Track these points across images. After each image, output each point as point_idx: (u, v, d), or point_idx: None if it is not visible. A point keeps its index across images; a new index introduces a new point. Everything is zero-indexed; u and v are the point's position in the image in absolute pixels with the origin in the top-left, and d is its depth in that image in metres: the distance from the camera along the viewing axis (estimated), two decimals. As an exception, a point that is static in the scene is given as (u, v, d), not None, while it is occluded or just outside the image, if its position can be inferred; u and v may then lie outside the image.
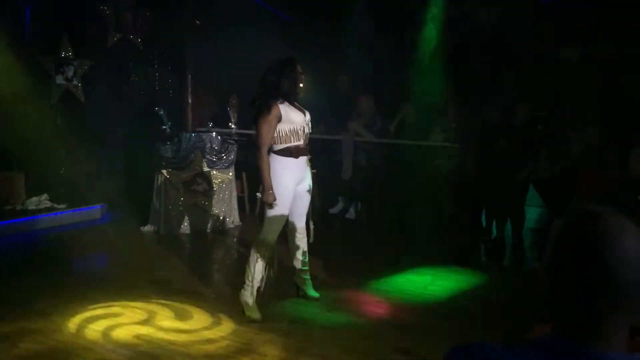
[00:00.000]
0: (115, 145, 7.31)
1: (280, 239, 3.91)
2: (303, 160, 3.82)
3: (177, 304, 4.02)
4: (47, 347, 3.30)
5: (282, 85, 3.66)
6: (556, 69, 6.65)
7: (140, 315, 3.81)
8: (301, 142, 3.77)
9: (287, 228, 3.96)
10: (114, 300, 4.02)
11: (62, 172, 6.82)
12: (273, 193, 3.65)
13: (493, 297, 4.41)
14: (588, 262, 0.96)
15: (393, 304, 4.14)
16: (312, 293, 4.14)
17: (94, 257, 5.34)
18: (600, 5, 6.06)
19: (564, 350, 0.97)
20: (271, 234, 3.75)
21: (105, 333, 3.50)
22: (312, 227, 4.13)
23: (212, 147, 6.27)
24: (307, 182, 3.92)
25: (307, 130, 3.83)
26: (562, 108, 6.13)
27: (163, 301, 4.07)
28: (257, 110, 3.68)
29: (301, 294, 4.16)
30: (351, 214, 7.07)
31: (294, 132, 3.72)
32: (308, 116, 3.85)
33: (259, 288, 3.81)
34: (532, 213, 6.62)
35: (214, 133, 6.46)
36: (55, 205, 6.37)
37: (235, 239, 6.16)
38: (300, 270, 4.11)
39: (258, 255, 3.74)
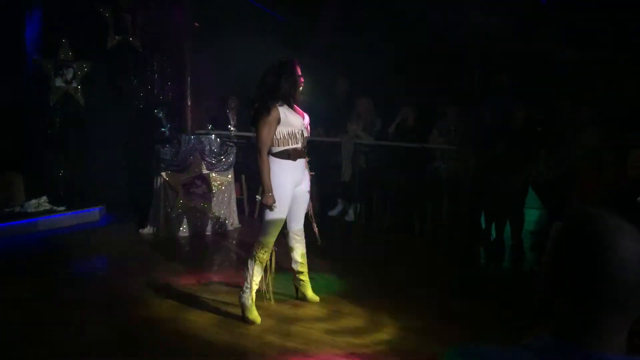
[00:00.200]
0: (115, 147, 7.30)
1: (280, 240, 3.92)
2: (301, 162, 3.81)
3: (176, 306, 4.02)
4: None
5: (282, 87, 3.66)
6: (555, 70, 6.65)
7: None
8: (299, 145, 3.77)
9: (285, 230, 3.96)
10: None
11: (61, 174, 6.81)
12: (272, 195, 3.65)
13: (492, 299, 4.40)
14: (587, 263, 0.96)
15: (392, 305, 4.14)
16: (312, 295, 4.13)
17: (93, 260, 5.33)
18: (598, 7, 6.07)
19: (563, 351, 0.97)
20: (269, 236, 3.75)
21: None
22: (316, 229, 4.12)
23: (211, 150, 6.27)
24: (306, 184, 3.92)
25: (305, 134, 3.82)
26: (560, 110, 6.13)
27: (161, 303, 4.07)
28: (257, 112, 3.68)
29: (300, 296, 4.16)
30: (350, 216, 7.07)
31: (292, 135, 3.71)
32: (307, 120, 3.85)
33: (257, 290, 3.81)
34: (531, 215, 6.62)
35: (213, 135, 6.46)
36: (55, 208, 6.37)
37: (234, 242, 6.16)
38: (299, 272, 4.11)
39: (256, 257, 3.74)
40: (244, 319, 3.73)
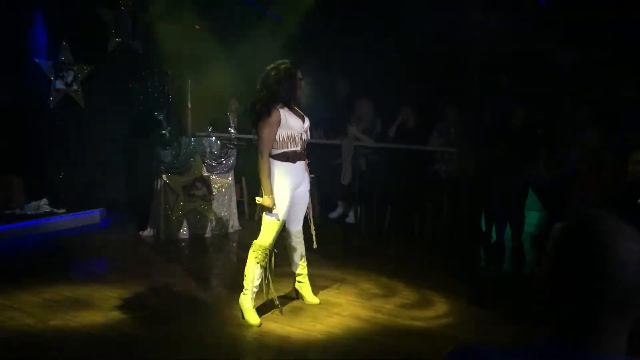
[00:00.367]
0: (115, 149, 7.31)
1: (280, 242, 3.92)
2: (301, 164, 3.81)
3: (175, 308, 4.02)
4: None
5: (282, 89, 3.66)
6: (555, 71, 6.65)
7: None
8: (298, 148, 3.76)
9: (284, 232, 3.95)
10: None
11: (61, 176, 6.81)
12: (272, 197, 3.65)
13: (492, 301, 4.40)
14: (588, 265, 0.96)
15: (392, 307, 4.13)
16: (311, 297, 4.13)
17: (92, 262, 5.33)
18: (598, 7, 6.06)
19: (564, 353, 0.96)
20: (269, 238, 3.75)
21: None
22: (314, 232, 4.11)
23: (211, 152, 6.27)
24: (305, 186, 3.91)
25: (305, 137, 3.82)
26: (560, 111, 6.13)
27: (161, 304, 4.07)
28: (258, 114, 3.68)
29: (300, 299, 4.15)
30: (351, 218, 7.06)
31: (291, 138, 3.71)
32: (307, 123, 3.84)
33: (257, 292, 3.80)
34: (532, 217, 6.61)
35: (214, 138, 6.46)
36: (55, 210, 6.36)
37: (234, 244, 6.15)
38: (299, 274, 4.11)
39: (256, 259, 3.73)
40: (244, 321, 3.73)
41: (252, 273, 3.74)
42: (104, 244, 5.88)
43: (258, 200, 3.73)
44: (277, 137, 3.68)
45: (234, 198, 6.55)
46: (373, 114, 6.87)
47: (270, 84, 3.66)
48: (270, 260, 3.81)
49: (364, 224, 6.80)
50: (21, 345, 3.40)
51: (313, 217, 4.13)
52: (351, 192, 6.95)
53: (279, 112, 3.65)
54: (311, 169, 4.02)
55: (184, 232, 6.13)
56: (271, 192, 3.65)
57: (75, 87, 6.91)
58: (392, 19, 6.88)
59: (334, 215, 7.20)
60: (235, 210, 6.54)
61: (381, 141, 6.73)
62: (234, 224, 6.49)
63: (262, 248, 3.74)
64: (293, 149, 3.72)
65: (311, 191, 4.08)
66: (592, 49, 6.38)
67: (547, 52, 6.62)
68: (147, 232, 6.17)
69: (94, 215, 6.62)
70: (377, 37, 7.05)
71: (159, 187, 6.12)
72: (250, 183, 6.71)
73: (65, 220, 6.30)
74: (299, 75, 3.74)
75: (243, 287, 3.78)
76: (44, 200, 6.43)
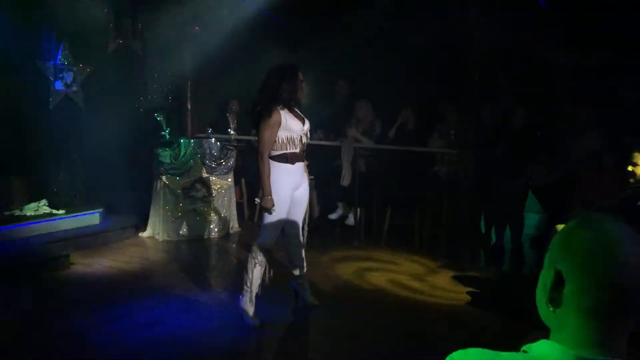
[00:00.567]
0: (115, 151, 7.29)
1: (279, 243, 3.91)
2: (300, 166, 3.81)
3: (175, 309, 4.01)
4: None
5: (283, 91, 3.65)
6: (555, 73, 6.65)
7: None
8: (297, 150, 3.76)
9: (283, 234, 3.95)
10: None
11: (61, 177, 6.80)
12: (272, 199, 3.65)
13: (492, 303, 4.39)
14: (588, 268, 0.95)
15: (392, 309, 4.13)
16: (311, 299, 4.12)
17: (92, 263, 5.32)
18: (598, 9, 6.06)
19: (563, 356, 0.96)
20: (268, 239, 3.75)
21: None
22: (305, 233, 4.10)
23: (211, 153, 6.27)
24: (304, 187, 3.91)
25: (304, 140, 3.81)
26: (560, 113, 6.13)
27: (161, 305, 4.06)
28: (258, 115, 3.68)
29: (299, 300, 4.15)
30: (350, 220, 7.04)
31: (291, 140, 3.71)
32: (307, 125, 3.84)
33: (256, 293, 3.80)
34: (531, 219, 6.61)
35: (213, 139, 6.46)
36: (54, 211, 6.35)
37: (234, 245, 6.15)
38: (298, 276, 4.10)
39: (255, 260, 3.73)
40: (244, 322, 3.72)
41: (252, 274, 3.73)
42: (103, 245, 5.87)
43: (257, 201, 3.72)
44: (277, 138, 3.68)
45: (234, 199, 6.55)
46: (373, 116, 6.87)
47: (271, 85, 3.66)
48: (269, 261, 3.80)
49: (364, 225, 6.79)
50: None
51: (307, 218, 4.12)
52: (351, 193, 6.94)
53: (279, 113, 3.65)
54: (311, 170, 4.02)
55: (183, 233, 6.13)
56: (270, 193, 3.65)
57: (75, 88, 6.89)
58: (392, 19, 6.88)
59: (334, 216, 7.19)
60: (234, 212, 6.54)
61: (381, 143, 6.73)
62: (233, 225, 6.49)
63: (262, 249, 3.74)
64: (292, 150, 3.72)
65: (309, 194, 4.07)
66: (592, 51, 6.38)
67: (547, 54, 6.62)
68: (147, 234, 6.16)
69: (94, 217, 6.60)
70: (377, 38, 7.06)
71: (158, 188, 6.12)
72: (250, 184, 6.71)
73: (65, 222, 6.29)
74: (300, 76, 3.74)
75: (242, 288, 3.78)
76: (44, 201, 6.41)
